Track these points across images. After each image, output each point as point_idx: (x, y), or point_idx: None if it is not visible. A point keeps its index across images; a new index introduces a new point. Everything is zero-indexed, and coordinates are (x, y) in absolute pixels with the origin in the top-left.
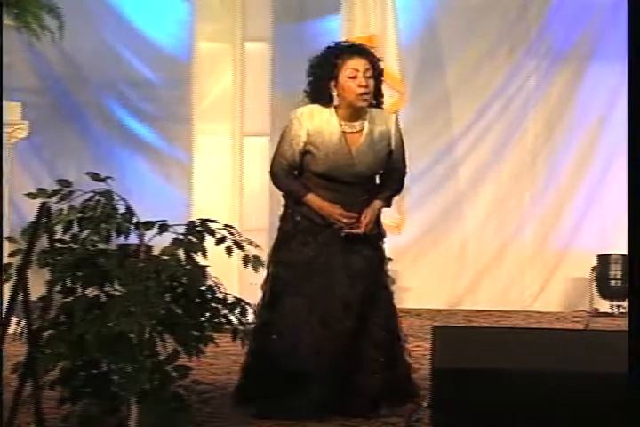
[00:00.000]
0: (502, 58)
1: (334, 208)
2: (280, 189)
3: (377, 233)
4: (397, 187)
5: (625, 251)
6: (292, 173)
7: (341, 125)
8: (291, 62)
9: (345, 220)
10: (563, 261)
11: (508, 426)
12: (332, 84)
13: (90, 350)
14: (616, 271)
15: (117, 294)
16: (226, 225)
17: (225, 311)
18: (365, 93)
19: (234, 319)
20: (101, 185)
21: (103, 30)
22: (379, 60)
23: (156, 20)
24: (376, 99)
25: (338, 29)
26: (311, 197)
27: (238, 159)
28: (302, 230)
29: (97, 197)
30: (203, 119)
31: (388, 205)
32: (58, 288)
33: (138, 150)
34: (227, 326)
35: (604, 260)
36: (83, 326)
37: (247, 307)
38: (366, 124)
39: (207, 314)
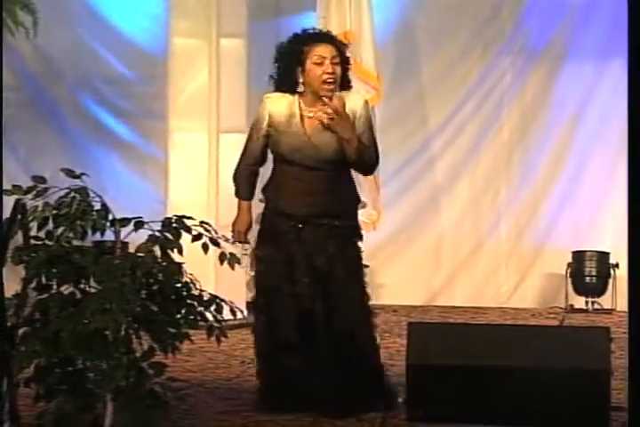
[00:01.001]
0: (477, 55)
1: (236, 225)
2: (233, 183)
3: (350, 227)
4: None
5: (600, 247)
6: (252, 168)
7: (301, 109)
8: (266, 59)
9: (235, 236)
10: (538, 258)
11: (483, 422)
12: (299, 70)
13: (65, 347)
14: (591, 268)
15: (93, 290)
16: (202, 222)
17: (200, 308)
18: (331, 80)
19: (209, 316)
20: (77, 182)
21: (78, 26)
22: (345, 46)
23: (131, 16)
24: (343, 84)
25: (313, 26)
26: (241, 205)
27: (214, 156)
28: (274, 228)
29: (72, 194)
30: (178, 116)
31: (360, 152)
32: (33, 285)
33: (113, 147)
34: (202, 323)
35: (578, 256)
36: (58, 323)
37: (222, 304)
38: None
39: (183, 311)
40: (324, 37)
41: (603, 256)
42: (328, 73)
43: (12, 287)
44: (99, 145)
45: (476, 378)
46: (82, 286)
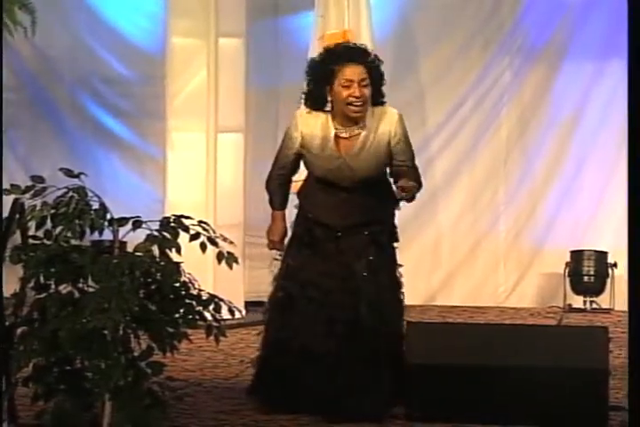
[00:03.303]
0: (476, 54)
1: (271, 234)
2: (266, 191)
3: (388, 232)
4: (415, 179)
5: (598, 247)
6: (283, 177)
7: (337, 129)
8: (265, 58)
9: (270, 245)
10: (536, 258)
11: (482, 421)
12: (327, 89)
13: (63, 346)
14: (589, 267)
15: (91, 290)
16: (200, 221)
17: (199, 308)
18: (357, 103)
19: (208, 316)
20: (75, 181)
21: (77, 26)
22: (378, 63)
23: (129, 16)
24: (375, 100)
25: (312, 25)
26: (274, 214)
27: (212, 155)
28: (308, 233)
29: (70, 194)
30: (176, 115)
31: (411, 185)
32: (31, 284)
33: (112, 147)
34: (201, 323)
35: (577, 256)
36: (56, 322)
37: (221, 303)
38: (365, 129)
39: (181, 310)
40: (355, 57)
41: (601, 256)
42: (355, 96)
43: (10, 287)
44: (97, 145)
45: (474, 378)
46: (80, 285)
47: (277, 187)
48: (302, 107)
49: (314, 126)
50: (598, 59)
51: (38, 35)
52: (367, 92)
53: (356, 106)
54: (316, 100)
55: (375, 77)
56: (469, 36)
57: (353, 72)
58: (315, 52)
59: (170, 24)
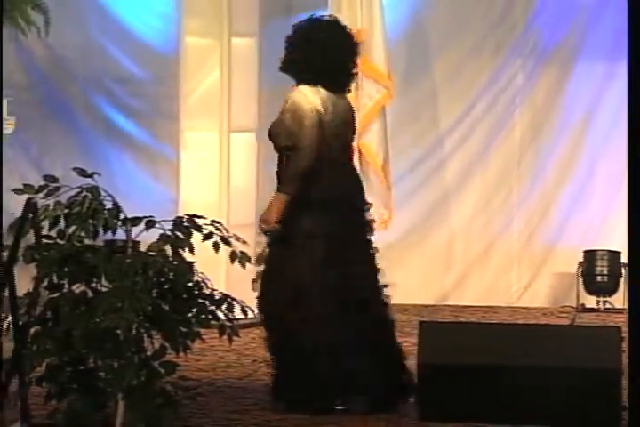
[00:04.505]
0: (488, 56)
1: (271, 215)
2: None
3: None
4: None
5: (611, 247)
6: None
7: None
8: (278, 58)
9: (265, 226)
10: (549, 257)
11: (494, 421)
12: None
13: (76, 346)
14: (602, 267)
15: (104, 289)
16: (213, 221)
17: (212, 307)
18: None
19: (220, 315)
20: (88, 181)
21: (89, 26)
22: None
23: (142, 16)
24: None
25: None
26: (283, 198)
27: (225, 155)
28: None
29: (84, 193)
30: (190, 115)
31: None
32: (44, 284)
33: (124, 146)
34: (213, 322)
35: (590, 256)
36: (69, 321)
37: (234, 303)
38: None
39: (194, 310)
40: None
41: (614, 255)
42: None
43: (23, 286)
44: (110, 144)
45: (487, 377)
46: (93, 284)
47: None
48: None
49: None
50: (611, 60)
51: (51, 35)
52: None
53: None
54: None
55: None
56: (482, 37)
57: None
58: None
59: (183, 24)
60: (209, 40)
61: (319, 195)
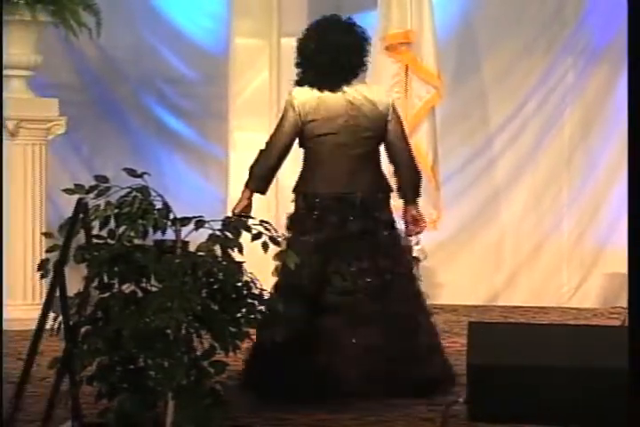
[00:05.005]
0: (539, 55)
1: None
2: None
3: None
4: None
5: None
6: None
7: None
8: None
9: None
10: (600, 257)
11: (545, 422)
12: None
13: (126, 345)
14: None
15: (154, 289)
16: (262, 221)
17: (261, 307)
18: None
19: None
20: (138, 181)
21: (140, 27)
22: None
23: (192, 16)
24: None
25: (374, 25)
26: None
27: None
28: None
29: (134, 193)
30: (239, 115)
31: None
32: (95, 284)
33: (175, 147)
34: None
35: None
36: (119, 321)
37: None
38: None
39: (243, 310)
40: None
41: None
42: None
43: (74, 286)
44: (160, 145)
45: (536, 378)
46: (143, 284)
47: None
48: None
49: None
50: None
51: (103, 36)
52: None
53: None
54: None
55: None
56: (532, 36)
57: None
58: (377, 52)
59: (233, 24)
60: (258, 40)
61: (312, 191)
